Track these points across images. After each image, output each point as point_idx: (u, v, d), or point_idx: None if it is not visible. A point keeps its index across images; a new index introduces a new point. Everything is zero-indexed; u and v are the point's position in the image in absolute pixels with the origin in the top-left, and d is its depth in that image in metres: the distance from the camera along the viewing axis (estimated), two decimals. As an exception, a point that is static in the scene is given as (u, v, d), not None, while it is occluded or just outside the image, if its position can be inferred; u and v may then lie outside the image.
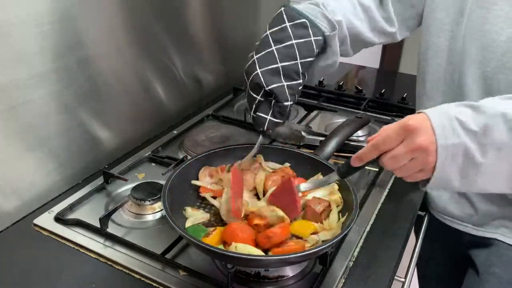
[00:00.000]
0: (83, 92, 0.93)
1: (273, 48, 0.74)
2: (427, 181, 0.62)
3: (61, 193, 0.93)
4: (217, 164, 0.85)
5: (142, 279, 0.72)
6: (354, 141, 1.06)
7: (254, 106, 0.76)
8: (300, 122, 1.21)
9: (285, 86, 0.74)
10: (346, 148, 1.03)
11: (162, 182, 0.80)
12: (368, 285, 0.72)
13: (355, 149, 1.04)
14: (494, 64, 0.75)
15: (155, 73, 1.13)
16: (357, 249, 0.79)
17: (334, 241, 0.66)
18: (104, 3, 0.93)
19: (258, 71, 0.73)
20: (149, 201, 0.87)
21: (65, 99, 0.90)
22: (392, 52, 3.11)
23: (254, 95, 0.75)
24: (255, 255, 0.66)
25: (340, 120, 1.20)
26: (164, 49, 1.14)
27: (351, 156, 0.67)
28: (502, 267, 0.86)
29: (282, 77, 0.74)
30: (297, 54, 0.75)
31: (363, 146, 1.02)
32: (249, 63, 0.76)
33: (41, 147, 0.87)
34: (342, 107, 1.32)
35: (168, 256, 0.75)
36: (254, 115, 0.76)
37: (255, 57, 0.75)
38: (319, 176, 0.82)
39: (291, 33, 0.76)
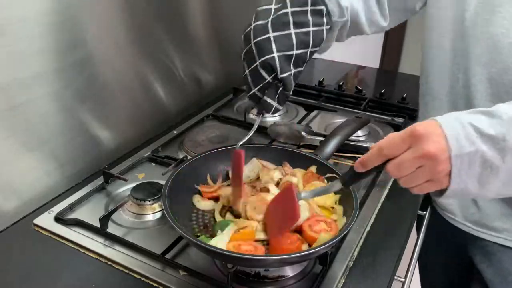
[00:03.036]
0: (83, 92, 0.93)
1: (292, 31, 0.72)
2: (440, 192, 0.59)
3: (61, 193, 0.93)
4: (217, 164, 0.86)
5: (142, 279, 0.72)
6: (354, 141, 1.06)
7: (261, 85, 0.74)
8: (300, 122, 1.21)
9: (292, 75, 0.74)
10: (346, 148, 1.03)
11: (162, 182, 0.79)
12: (368, 285, 0.72)
13: (355, 149, 1.04)
14: (500, 65, 0.74)
15: (155, 73, 1.13)
16: (357, 249, 0.79)
17: (334, 241, 0.66)
18: (104, 3, 0.93)
19: (275, 54, 0.71)
20: (149, 201, 0.87)
21: (65, 99, 0.90)
22: (392, 52, 3.11)
23: (265, 75, 0.72)
24: (255, 255, 0.66)
25: (340, 120, 1.20)
26: (164, 49, 1.14)
27: (353, 159, 0.66)
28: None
29: (291, 65, 0.73)
30: (311, 42, 0.74)
31: (363, 146, 1.04)
32: (262, 37, 0.72)
33: (41, 147, 0.87)
34: (342, 107, 1.32)
35: (168, 256, 0.75)
36: (260, 96, 0.74)
37: (271, 34, 0.72)
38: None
39: (310, 19, 0.74)
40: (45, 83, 0.85)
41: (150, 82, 1.12)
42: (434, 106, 0.91)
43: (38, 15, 0.81)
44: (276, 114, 1.26)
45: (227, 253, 0.65)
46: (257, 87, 0.74)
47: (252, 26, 0.73)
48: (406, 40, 3.10)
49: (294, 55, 0.73)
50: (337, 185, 0.68)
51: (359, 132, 1.11)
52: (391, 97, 1.36)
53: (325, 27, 0.76)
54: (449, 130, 0.55)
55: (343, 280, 0.73)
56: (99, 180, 0.95)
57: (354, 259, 0.77)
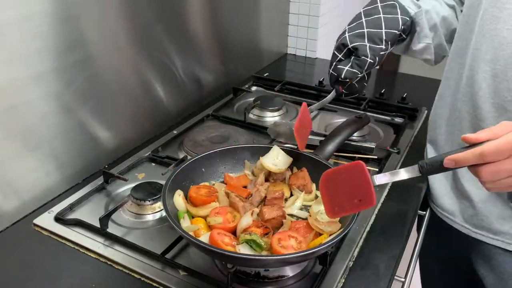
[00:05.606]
0: (83, 92, 0.93)
1: (363, 20, 0.86)
2: None
3: (61, 193, 0.93)
4: (217, 164, 0.86)
5: (142, 279, 0.72)
6: (354, 141, 1.06)
7: (334, 62, 0.86)
8: (300, 122, 1.21)
9: (367, 46, 0.83)
10: (346, 148, 1.03)
11: (162, 182, 0.80)
12: (368, 285, 0.73)
13: (355, 149, 1.04)
14: (503, 62, 0.76)
15: (155, 73, 1.13)
16: (357, 249, 0.79)
17: (334, 241, 0.66)
18: (104, 3, 0.93)
19: (346, 34, 0.85)
20: (149, 201, 0.87)
21: (65, 99, 0.90)
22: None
23: (337, 54, 0.86)
24: (255, 255, 0.66)
25: (340, 120, 1.20)
26: (164, 49, 1.14)
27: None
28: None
29: (366, 39, 0.84)
30: (383, 24, 0.85)
31: (363, 146, 1.04)
32: (341, 33, 0.87)
33: (41, 147, 0.87)
34: (342, 107, 1.32)
35: (168, 256, 0.75)
36: (333, 68, 0.86)
37: (347, 27, 0.87)
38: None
39: (380, 10, 0.87)
40: (45, 83, 0.85)
41: (150, 82, 1.12)
42: (438, 105, 0.92)
43: (38, 15, 0.81)
44: (276, 114, 1.26)
45: (227, 253, 0.65)
46: (331, 66, 0.87)
47: None
48: (406, 40, 3.10)
49: (366, 32, 0.84)
50: (414, 172, 0.64)
51: (359, 132, 1.11)
52: (391, 97, 1.36)
53: (400, 16, 0.86)
54: None
55: (343, 280, 0.73)
56: (99, 180, 0.95)
57: (354, 259, 0.77)
